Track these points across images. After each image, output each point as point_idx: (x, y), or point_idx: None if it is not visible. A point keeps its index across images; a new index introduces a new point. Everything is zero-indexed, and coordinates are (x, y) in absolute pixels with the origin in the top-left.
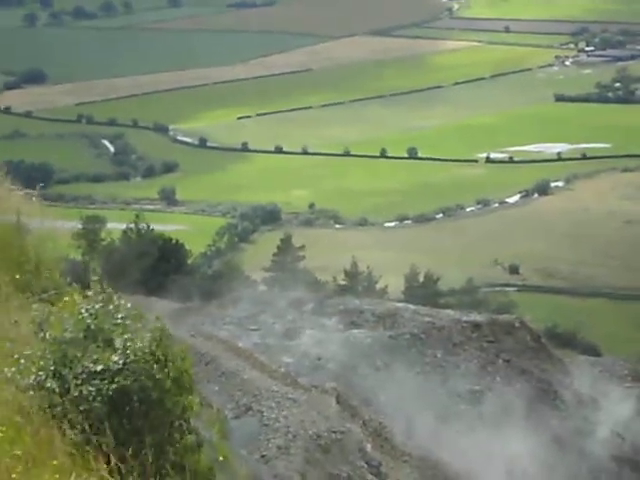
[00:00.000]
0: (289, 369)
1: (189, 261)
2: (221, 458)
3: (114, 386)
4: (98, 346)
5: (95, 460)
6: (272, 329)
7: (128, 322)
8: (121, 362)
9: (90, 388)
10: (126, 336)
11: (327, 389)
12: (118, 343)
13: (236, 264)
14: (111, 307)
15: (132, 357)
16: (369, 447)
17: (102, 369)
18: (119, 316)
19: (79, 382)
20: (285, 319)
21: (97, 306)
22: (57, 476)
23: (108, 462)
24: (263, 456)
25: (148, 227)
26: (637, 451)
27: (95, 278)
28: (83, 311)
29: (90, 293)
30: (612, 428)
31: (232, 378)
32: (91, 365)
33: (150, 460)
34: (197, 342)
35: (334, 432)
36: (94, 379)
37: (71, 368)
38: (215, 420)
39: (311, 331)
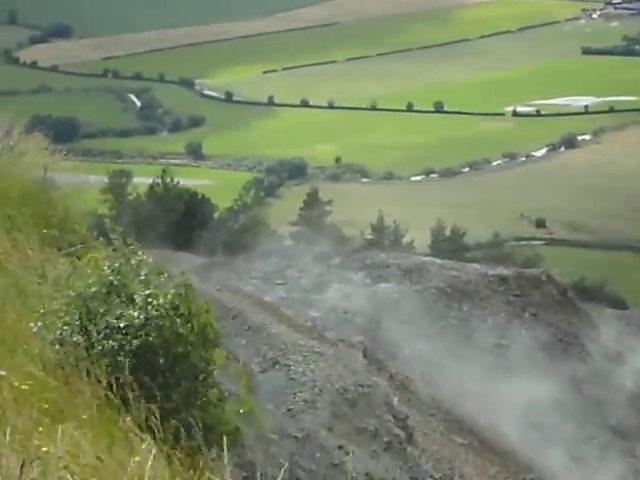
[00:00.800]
0: (316, 323)
1: (215, 216)
2: (245, 411)
3: (136, 341)
4: (122, 302)
5: (121, 415)
6: (298, 283)
7: (151, 277)
8: (143, 318)
9: (113, 343)
10: (148, 292)
11: (354, 343)
12: (140, 299)
13: (262, 218)
14: (134, 263)
15: (154, 313)
16: (396, 401)
17: (125, 325)
18: (142, 272)
19: (101, 337)
20: (311, 273)
21: (119, 262)
22: (84, 430)
23: (134, 417)
24: (289, 410)
25: (174, 182)
26: None
27: (117, 233)
28: (105, 267)
29: (113, 248)
30: (637, 380)
31: (259, 332)
32: (114, 321)
33: (175, 414)
34: (223, 296)
35: (361, 386)
36: (117, 334)
37: (95, 324)
38: (242, 374)
39: (338, 285)
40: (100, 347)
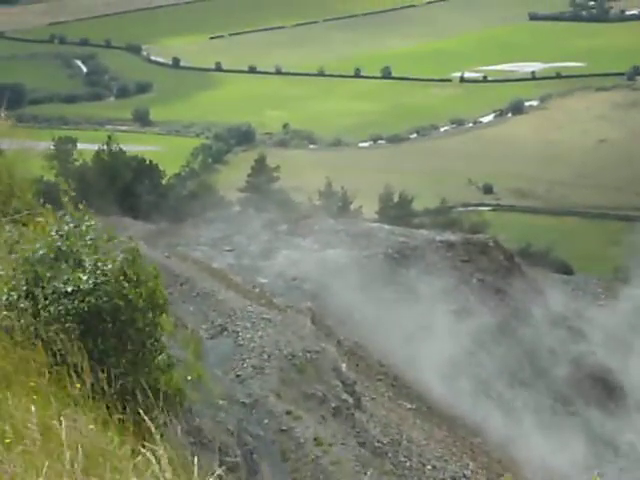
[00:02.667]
0: (264, 289)
1: (163, 182)
2: (193, 378)
3: (84, 306)
4: (69, 267)
5: (69, 380)
6: (247, 250)
7: (99, 243)
8: (91, 282)
9: (60, 308)
10: (96, 257)
11: (302, 309)
12: (88, 264)
13: (210, 185)
14: (82, 228)
15: (102, 278)
16: (344, 366)
17: (73, 289)
18: (90, 237)
19: (49, 302)
20: (260, 240)
21: (67, 227)
22: (34, 397)
23: (83, 382)
24: (238, 376)
25: (120, 148)
26: (605, 369)
27: (66, 199)
28: (53, 232)
29: (61, 214)
30: (585, 345)
31: (207, 299)
32: (62, 285)
33: (123, 379)
34: (171, 263)
35: (309, 352)
36: (65, 299)
37: (43, 288)
38: (190, 340)
39: (286, 251)
40: (47, 312)
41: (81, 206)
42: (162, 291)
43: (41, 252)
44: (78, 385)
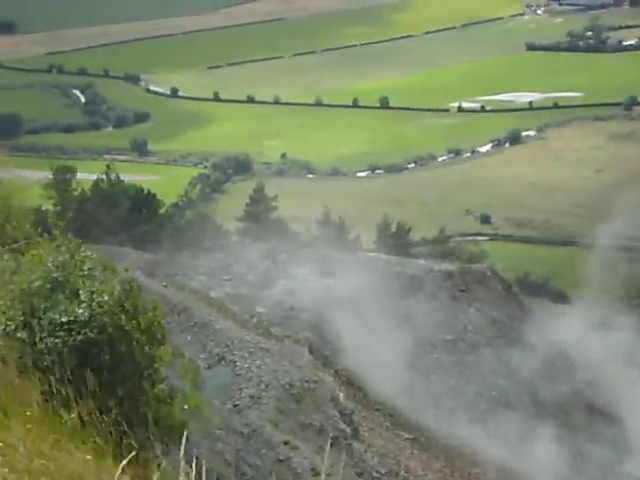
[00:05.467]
0: (262, 319)
1: (161, 211)
2: (189, 407)
3: (80, 337)
4: (66, 298)
5: (65, 410)
6: (245, 279)
7: (96, 273)
8: (87, 314)
9: (56, 340)
10: (93, 288)
11: (300, 339)
12: (84, 295)
13: (208, 214)
14: (77, 258)
15: (98, 309)
16: (341, 396)
17: (68, 320)
18: (86, 267)
19: (45, 334)
20: (258, 269)
21: (62, 258)
22: (29, 426)
23: (79, 412)
24: (236, 405)
25: (119, 178)
26: (605, 401)
27: (60, 229)
28: (49, 263)
29: (56, 244)
30: (582, 375)
31: (205, 328)
32: (57, 316)
33: (120, 411)
34: (169, 292)
35: (306, 382)
36: (60, 330)
37: (39, 319)
38: (188, 370)
39: (284, 281)
40: (44, 344)
41: (72, 237)
42: (161, 324)
43: (37, 283)
44: (73, 416)
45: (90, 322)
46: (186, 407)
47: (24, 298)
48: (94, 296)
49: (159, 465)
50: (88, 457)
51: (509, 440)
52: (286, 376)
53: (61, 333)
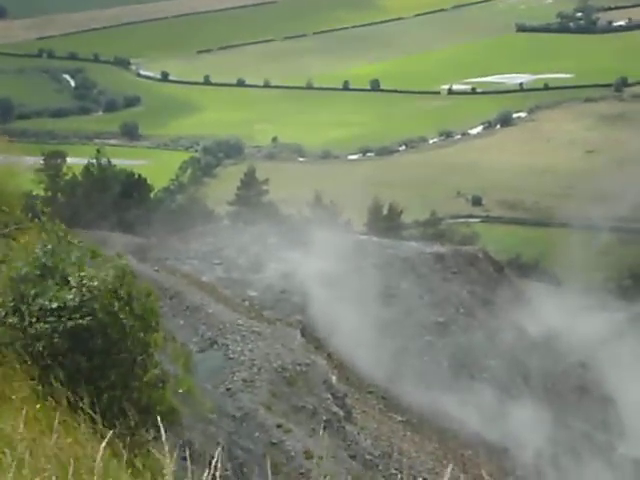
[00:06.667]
0: (254, 302)
1: (152, 196)
2: (183, 391)
3: (70, 323)
4: (56, 284)
5: (55, 397)
6: (236, 263)
7: (86, 259)
8: (77, 300)
9: (46, 326)
10: (82, 274)
11: (292, 322)
12: (74, 281)
13: (199, 198)
14: (66, 243)
15: (88, 295)
16: (334, 379)
17: (58, 306)
18: (75, 253)
19: (34, 320)
20: (249, 253)
21: (51, 245)
22: (20, 412)
23: (70, 398)
24: (228, 389)
25: (109, 162)
26: (597, 382)
27: (47, 215)
28: (38, 249)
29: (44, 231)
30: (574, 356)
31: (196, 312)
32: (47, 303)
33: (112, 395)
34: (161, 277)
35: (299, 364)
36: (50, 316)
37: (29, 305)
38: (180, 354)
39: (275, 264)
40: (34, 329)
41: (58, 223)
42: (155, 311)
43: (24, 270)
44: (64, 403)
45: (80, 308)
46: (180, 391)
47: (14, 284)
48: (84, 282)
49: (149, 450)
50: (79, 442)
51: (502, 422)
52: (278, 359)
53: (51, 319)
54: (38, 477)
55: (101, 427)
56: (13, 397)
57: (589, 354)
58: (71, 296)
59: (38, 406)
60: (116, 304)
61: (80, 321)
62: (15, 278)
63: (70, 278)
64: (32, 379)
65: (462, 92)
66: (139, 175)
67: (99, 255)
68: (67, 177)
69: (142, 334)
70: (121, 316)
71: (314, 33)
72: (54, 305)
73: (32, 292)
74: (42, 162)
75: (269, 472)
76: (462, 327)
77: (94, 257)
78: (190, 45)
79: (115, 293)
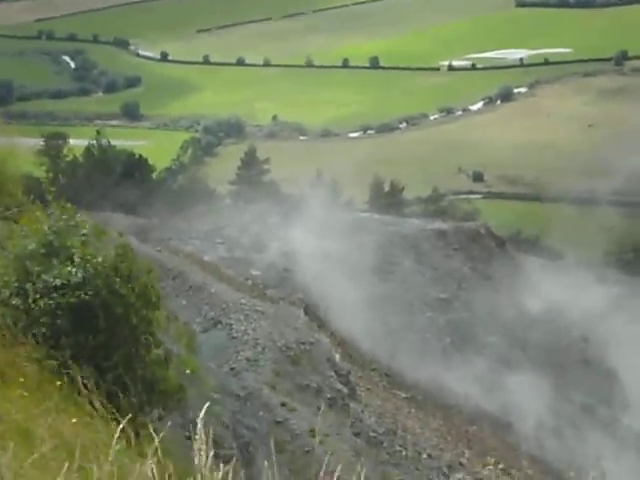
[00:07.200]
0: (256, 282)
1: (153, 176)
2: (189, 371)
3: (73, 300)
4: (60, 262)
5: (59, 377)
6: (238, 242)
7: (90, 238)
8: (80, 276)
9: (50, 302)
10: (86, 251)
11: (295, 300)
12: (78, 258)
13: (201, 178)
14: (72, 223)
15: (92, 271)
16: (338, 357)
17: (62, 284)
18: (81, 232)
19: (38, 296)
20: (251, 232)
21: (58, 223)
22: (25, 393)
23: (73, 379)
24: (232, 369)
25: (110, 143)
26: (600, 356)
27: (53, 195)
28: (45, 228)
29: (51, 210)
30: (576, 330)
31: (200, 292)
32: (51, 280)
33: (115, 375)
34: (163, 257)
35: (303, 343)
36: (54, 293)
37: (33, 283)
38: (183, 334)
39: (277, 243)
40: (38, 307)
41: (66, 203)
42: (155, 287)
43: (30, 247)
44: (71, 383)
45: (84, 284)
46: (187, 372)
47: (18, 263)
48: (88, 258)
49: (155, 430)
50: (83, 422)
51: (505, 396)
52: (282, 338)
53: (54, 295)
54: (36, 453)
55: (105, 407)
56: (19, 379)
57: (591, 328)
58: (75, 272)
59: (42, 386)
60: (117, 281)
61: (84, 297)
62: (21, 255)
63: (74, 256)
64: (36, 360)
65: (462, 68)
66: (140, 155)
67: (103, 234)
68: (68, 158)
69: (144, 311)
70: (122, 292)
71: (313, 11)
72: (58, 282)
73: (36, 269)
74: (42, 144)
75: (274, 450)
76: (464, 303)
77: (99, 236)
78: (189, 25)
79: (116, 270)
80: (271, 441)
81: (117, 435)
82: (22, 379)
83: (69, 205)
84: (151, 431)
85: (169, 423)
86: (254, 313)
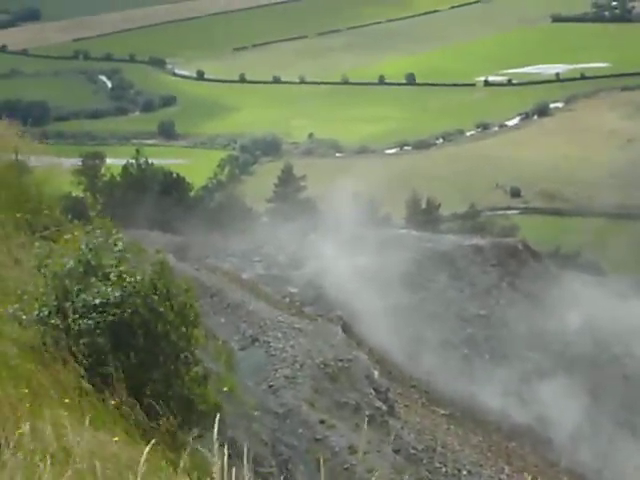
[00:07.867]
0: (294, 299)
1: (191, 194)
2: (227, 389)
3: (112, 318)
4: (99, 280)
5: (101, 395)
6: (276, 260)
7: (128, 256)
8: (118, 295)
9: (89, 322)
10: (122, 269)
11: (332, 317)
12: (114, 277)
13: (238, 196)
14: (110, 242)
15: (130, 289)
16: (376, 374)
17: (101, 302)
18: (118, 250)
19: (78, 316)
20: (288, 249)
21: (96, 241)
22: (66, 413)
23: (114, 396)
24: (270, 386)
25: (147, 162)
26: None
27: (93, 213)
28: (83, 246)
29: (89, 228)
30: (618, 346)
31: (238, 310)
32: (90, 299)
33: (154, 393)
34: (201, 275)
35: (341, 360)
36: (93, 312)
37: (72, 302)
38: (222, 352)
39: (315, 260)
40: (77, 326)
41: (107, 220)
42: (194, 305)
43: (69, 266)
44: (112, 401)
45: (122, 303)
46: (225, 389)
47: (57, 282)
48: (125, 276)
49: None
50: (122, 440)
51: (545, 412)
52: (320, 355)
53: (94, 315)
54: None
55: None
56: (59, 397)
57: (631, 344)
58: (113, 292)
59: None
60: (155, 298)
61: (122, 314)
62: (60, 274)
63: (111, 274)
64: (76, 378)
65: (498, 84)
66: (177, 174)
67: (141, 252)
68: (105, 178)
69: (183, 328)
70: (160, 310)
71: (348, 28)
72: (97, 301)
73: (75, 288)
74: (80, 163)
75: (313, 468)
76: (502, 319)
77: (137, 254)
78: (225, 43)
79: (154, 288)
80: (310, 458)
81: (156, 452)
82: (62, 397)
83: (109, 220)
84: (189, 449)
85: (207, 441)
86: (292, 330)
